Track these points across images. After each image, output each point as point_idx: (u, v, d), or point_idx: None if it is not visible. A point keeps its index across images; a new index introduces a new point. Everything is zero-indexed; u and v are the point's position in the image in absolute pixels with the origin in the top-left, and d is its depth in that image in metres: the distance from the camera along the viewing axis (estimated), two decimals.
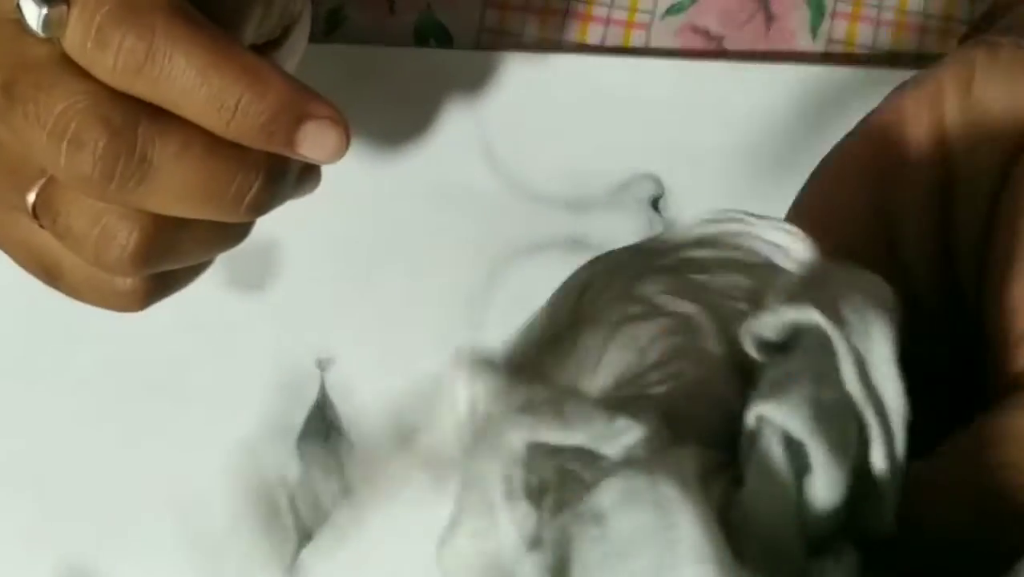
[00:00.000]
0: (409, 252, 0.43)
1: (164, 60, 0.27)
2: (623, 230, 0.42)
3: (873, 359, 0.16)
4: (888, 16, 0.44)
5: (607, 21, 0.45)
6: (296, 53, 0.37)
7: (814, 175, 0.24)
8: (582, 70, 0.44)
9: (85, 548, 0.42)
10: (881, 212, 0.23)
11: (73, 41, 0.27)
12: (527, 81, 0.43)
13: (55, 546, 0.42)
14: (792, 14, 0.45)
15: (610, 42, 0.45)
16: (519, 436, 0.16)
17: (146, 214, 0.29)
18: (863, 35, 0.44)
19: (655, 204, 0.42)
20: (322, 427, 0.42)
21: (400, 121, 0.44)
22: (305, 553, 0.41)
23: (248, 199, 0.29)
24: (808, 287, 0.18)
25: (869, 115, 0.24)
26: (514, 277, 0.42)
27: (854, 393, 0.16)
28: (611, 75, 0.43)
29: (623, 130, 0.43)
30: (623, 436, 0.16)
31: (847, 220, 0.23)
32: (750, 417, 0.16)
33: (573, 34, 0.45)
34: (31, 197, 0.29)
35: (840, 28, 0.44)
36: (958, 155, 0.22)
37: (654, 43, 0.45)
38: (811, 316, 0.16)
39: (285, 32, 0.35)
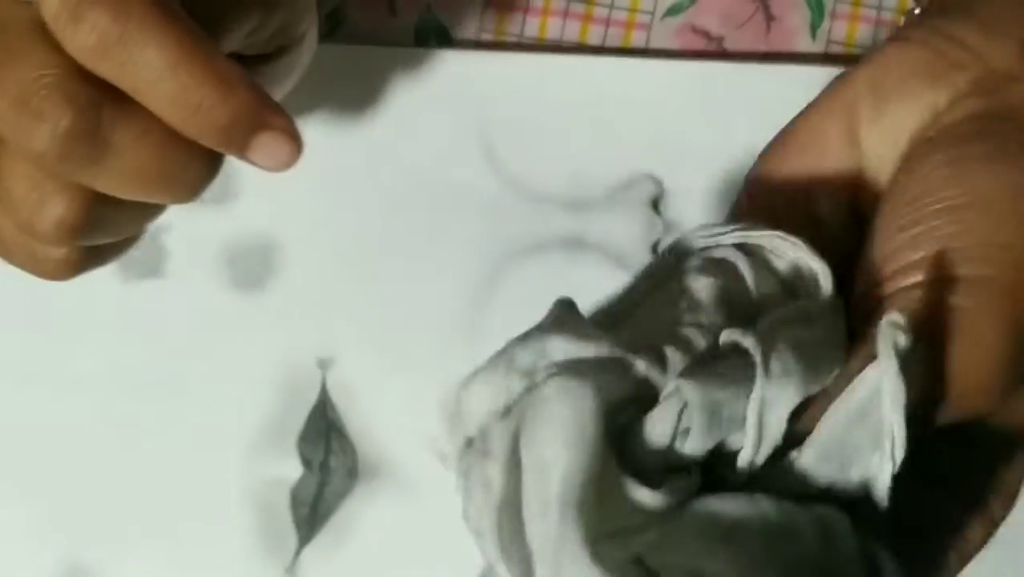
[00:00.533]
0: (410, 252, 0.43)
1: (135, 47, 0.27)
2: (623, 230, 0.42)
3: (773, 410, 0.24)
4: (888, 16, 0.44)
5: (607, 22, 0.45)
6: (294, 72, 0.38)
7: (754, 167, 0.30)
8: (582, 70, 0.44)
9: (85, 548, 0.42)
10: (803, 192, 0.29)
11: (50, 9, 0.27)
12: (527, 81, 0.44)
13: (55, 546, 0.42)
14: (792, 14, 0.45)
15: (610, 43, 0.45)
16: (557, 347, 0.25)
17: (84, 188, 0.29)
18: (863, 35, 0.44)
19: (655, 204, 0.43)
20: (323, 427, 0.42)
21: (401, 121, 0.44)
22: (305, 553, 0.41)
23: (194, 185, 0.29)
24: (772, 320, 0.25)
25: (795, 119, 0.29)
26: (514, 277, 0.42)
27: (750, 418, 0.24)
28: (611, 76, 0.43)
29: (623, 130, 0.43)
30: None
31: (775, 192, 0.29)
32: (672, 382, 0.24)
33: (573, 35, 0.45)
34: None
35: (840, 28, 0.44)
36: (868, 163, 0.28)
37: (654, 44, 0.45)
38: (753, 355, 0.24)
39: (281, 50, 0.35)
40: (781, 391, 0.24)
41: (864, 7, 0.45)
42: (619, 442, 0.24)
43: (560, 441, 0.22)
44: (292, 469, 0.42)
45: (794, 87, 0.43)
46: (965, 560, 0.27)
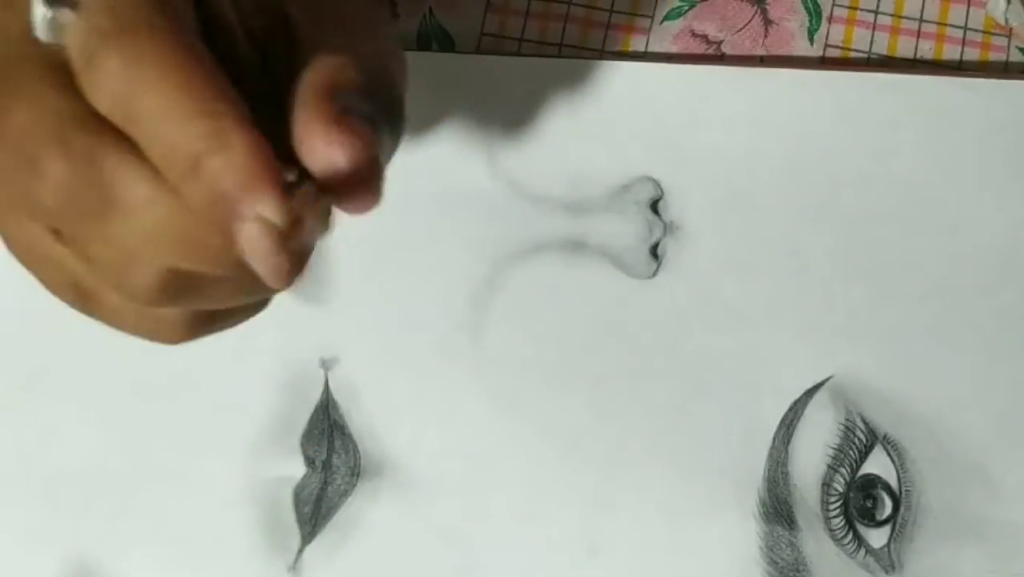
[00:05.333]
0: (411, 253, 0.43)
1: (140, 93, 0.23)
2: (622, 233, 0.43)
3: None
4: (885, 21, 0.45)
5: (607, 26, 0.45)
6: None
7: None
8: (582, 74, 0.44)
9: (87, 548, 0.42)
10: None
11: (71, 53, 0.24)
12: (528, 85, 0.44)
13: (59, 545, 0.42)
14: (790, 19, 0.45)
15: (610, 47, 0.45)
16: None
17: None
18: (860, 40, 0.45)
19: (654, 207, 0.43)
20: (326, 426, 0.42)
21: None
22: (308, 552, 0.41)
23: (228, 261, 0.24)
24: None
25: None
26: (514, 279, 0.43)
27: None
28: (611, 79, 0.44)
29: (623, 133, 0.43)
30: None
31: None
32: None
33: (573, 39, 0.45)
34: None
35: (837, 33, 0.45)
36: None
37: (653, 48, 0.45)
38: None
39: None
40: None
41: (861, 11, 0.45)
42: None
43: None
44: (295, 468, 0.42)
45: (792, 91, 0.43)
46: None
